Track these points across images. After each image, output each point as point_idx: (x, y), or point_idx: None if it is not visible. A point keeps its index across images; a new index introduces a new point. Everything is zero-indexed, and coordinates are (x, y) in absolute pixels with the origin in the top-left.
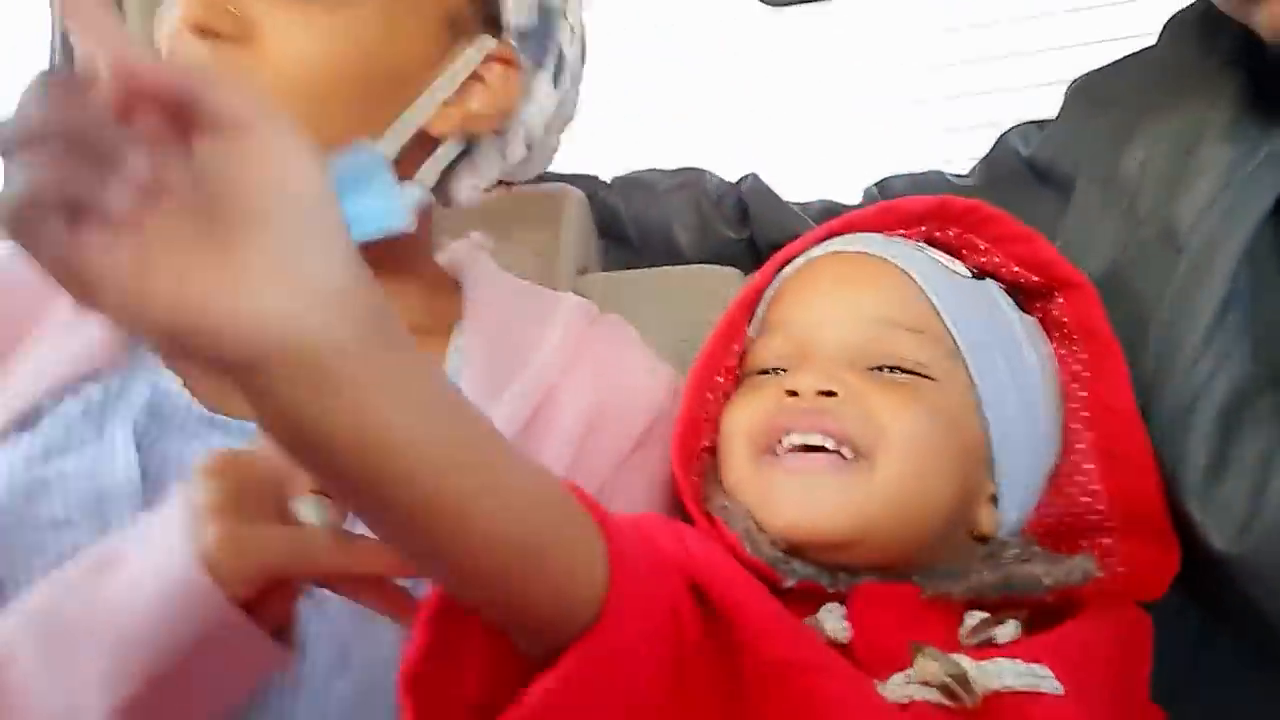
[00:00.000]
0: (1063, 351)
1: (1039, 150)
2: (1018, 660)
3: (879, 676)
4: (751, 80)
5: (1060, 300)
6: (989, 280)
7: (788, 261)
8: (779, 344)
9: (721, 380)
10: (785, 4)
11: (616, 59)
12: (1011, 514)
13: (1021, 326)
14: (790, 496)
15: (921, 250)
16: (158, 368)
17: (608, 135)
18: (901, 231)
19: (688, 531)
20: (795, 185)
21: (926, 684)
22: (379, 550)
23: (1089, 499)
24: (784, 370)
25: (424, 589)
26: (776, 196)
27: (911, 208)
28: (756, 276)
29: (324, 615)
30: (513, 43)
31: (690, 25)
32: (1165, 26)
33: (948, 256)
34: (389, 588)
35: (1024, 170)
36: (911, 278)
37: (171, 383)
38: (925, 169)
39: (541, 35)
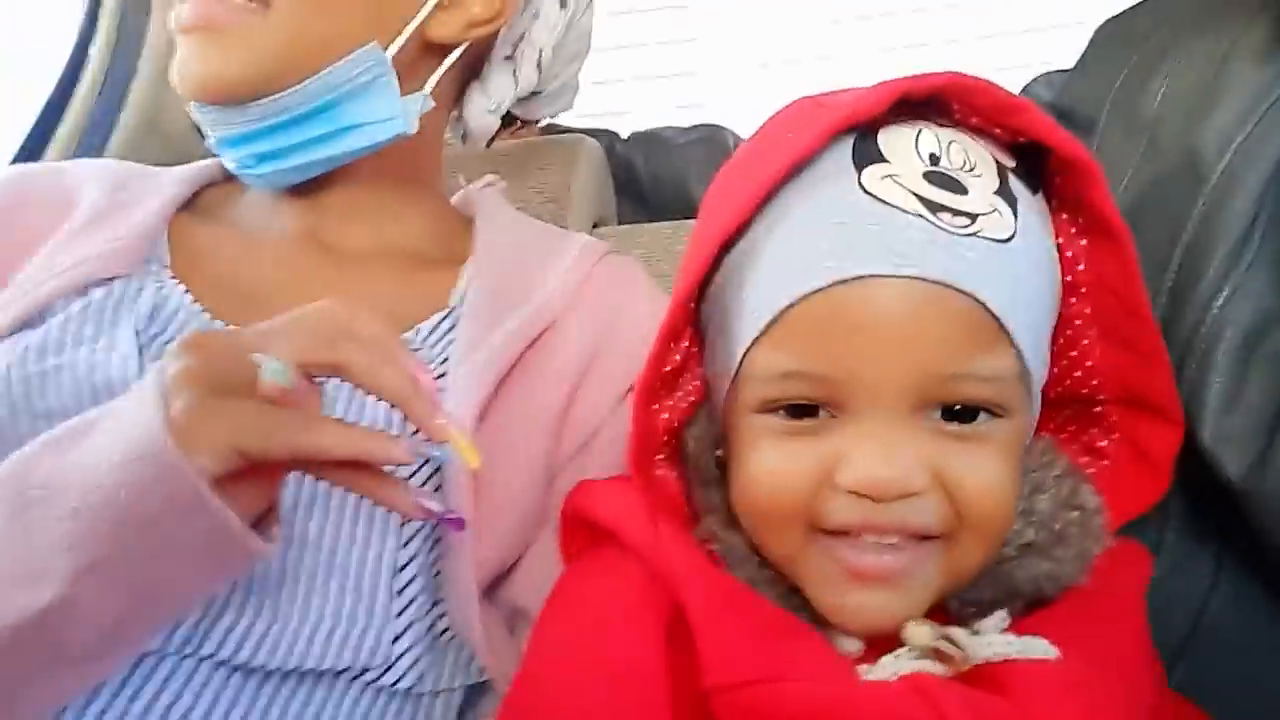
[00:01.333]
0: (1064, 216)
1: (1061, 95)
2: (1009, 633)
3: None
4: (773, 41)
5: (1058, 178)
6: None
7: (729, 241)
8: (803, 388)
9: (669, 368)
10: None
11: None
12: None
13: (1041, 223)
14: (866, 606)
15: (976, 235)
16: (167, 276)
17: (629, 93)
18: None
19: (665, 531)
20: None
21: (918, 656)
22: (363, 435)
23: (1082, 373)
24: (821, 409)
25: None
26: None
27: (870, 101)
28: (695, 263)
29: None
30: None
31: None
32: None
33: (984, 187)
34: (378, 474)
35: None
36: (979, 302)
37: (178, 289)
38: None
39: None
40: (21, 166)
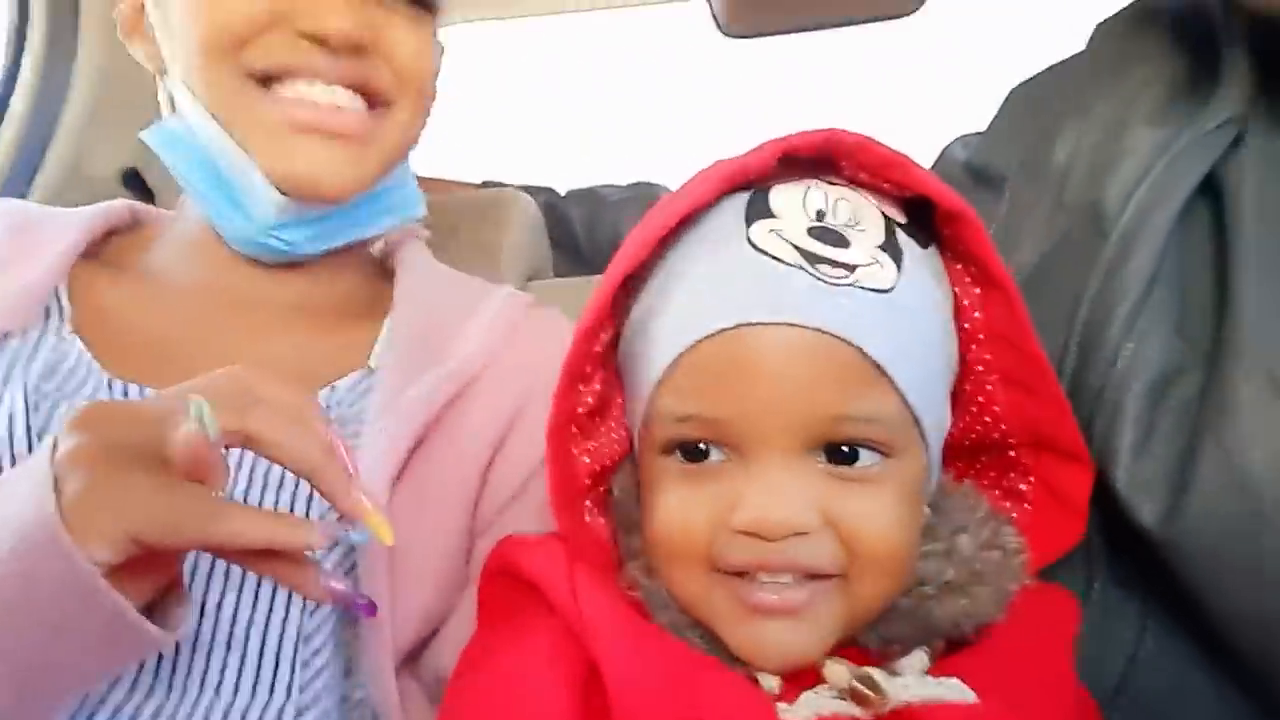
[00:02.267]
0: (958, 266)
1: (975, 154)
2: (927, 676)
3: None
4: (711, 102)
5: (947, 229)
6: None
7: (624, 284)
8: (699, 430)
9: (583, 410)
10: (745, 36)
11: (580, 81)
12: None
13: (931, 274)
14: (769, 640)
15: (851, 286)
16: (67, 331)
17: (568, 153)
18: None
19: (583, 582)
20: None
21: (837, 696)
22: (272, 521)
23: (991, 418)
24: (715, 448)
25: (330, 559)
26: None
27: (754, 163)
28: (590, 313)
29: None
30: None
31: (652, 51)
32: (1094, 31)
33: (869, 242)
34: (286, 557)
35: (963, 175)
36: (856, 348)
37: (77, 345)
38: None
39: None
40: None
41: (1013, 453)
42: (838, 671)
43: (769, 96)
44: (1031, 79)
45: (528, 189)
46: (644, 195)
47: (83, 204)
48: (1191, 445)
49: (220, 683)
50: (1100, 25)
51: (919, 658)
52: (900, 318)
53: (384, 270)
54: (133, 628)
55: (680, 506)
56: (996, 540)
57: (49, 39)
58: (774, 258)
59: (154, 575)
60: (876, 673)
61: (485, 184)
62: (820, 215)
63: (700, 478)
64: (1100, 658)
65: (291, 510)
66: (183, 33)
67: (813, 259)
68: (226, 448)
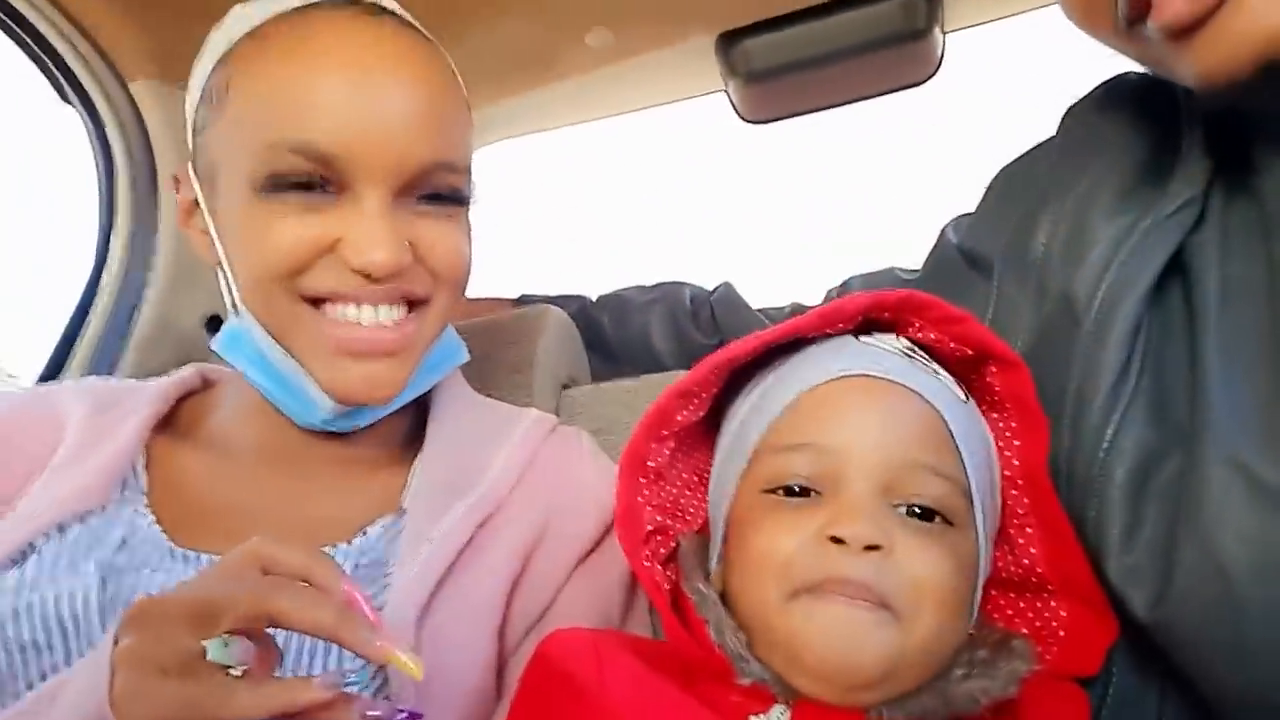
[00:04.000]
0: (994, 415)
1: (965, 239)
2: None
3: None
4: (734, 192)
5: (992, 369)
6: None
7: (728, 363)
8: (806, 463)
9: (653, 465)
10: (765, 121)
11: (611, 182)
12: (984, 541)
13: (984, 428)
14: (832, 642)
15: (936, 376)
16: (141, 504)
17: (606, 255)
18: (840, 326)
19: (606, 654)
20: (778, 291)
21: None
22: (287, 687)
23: (1029, 561)
24: (814, 492)
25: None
26: (741, 302)
27: (848, 307)
28: (689, 374)
29: None
30: None
31: (676, 143)
32: (1063, 115)
33: (952, 381)
34: (317, 708)
35: (958, 258)
36: (938, 412)
37: (148, 518)
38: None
39: None
40: (9, 396)
41: (1052, 601)
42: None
43: (794, 178)
44: (1015, 160)
45: (560, 299)
46: (666, 295)
47: (173, 355)
48: (1172, 530)
49: None
50: (1069, 109)
51: None
52: (972, 421)
53: (421, 407)
54: None
55: (777, 530)
56: (1008, 644)
57: (133, 214)
58: (881, 348)
59: None
60: None
61: (521, 299)
62: (909, 349)
63: (801, 510)
64: None
65: None
66: (240, 256)
67: (911, 355)
68: (254, 632)
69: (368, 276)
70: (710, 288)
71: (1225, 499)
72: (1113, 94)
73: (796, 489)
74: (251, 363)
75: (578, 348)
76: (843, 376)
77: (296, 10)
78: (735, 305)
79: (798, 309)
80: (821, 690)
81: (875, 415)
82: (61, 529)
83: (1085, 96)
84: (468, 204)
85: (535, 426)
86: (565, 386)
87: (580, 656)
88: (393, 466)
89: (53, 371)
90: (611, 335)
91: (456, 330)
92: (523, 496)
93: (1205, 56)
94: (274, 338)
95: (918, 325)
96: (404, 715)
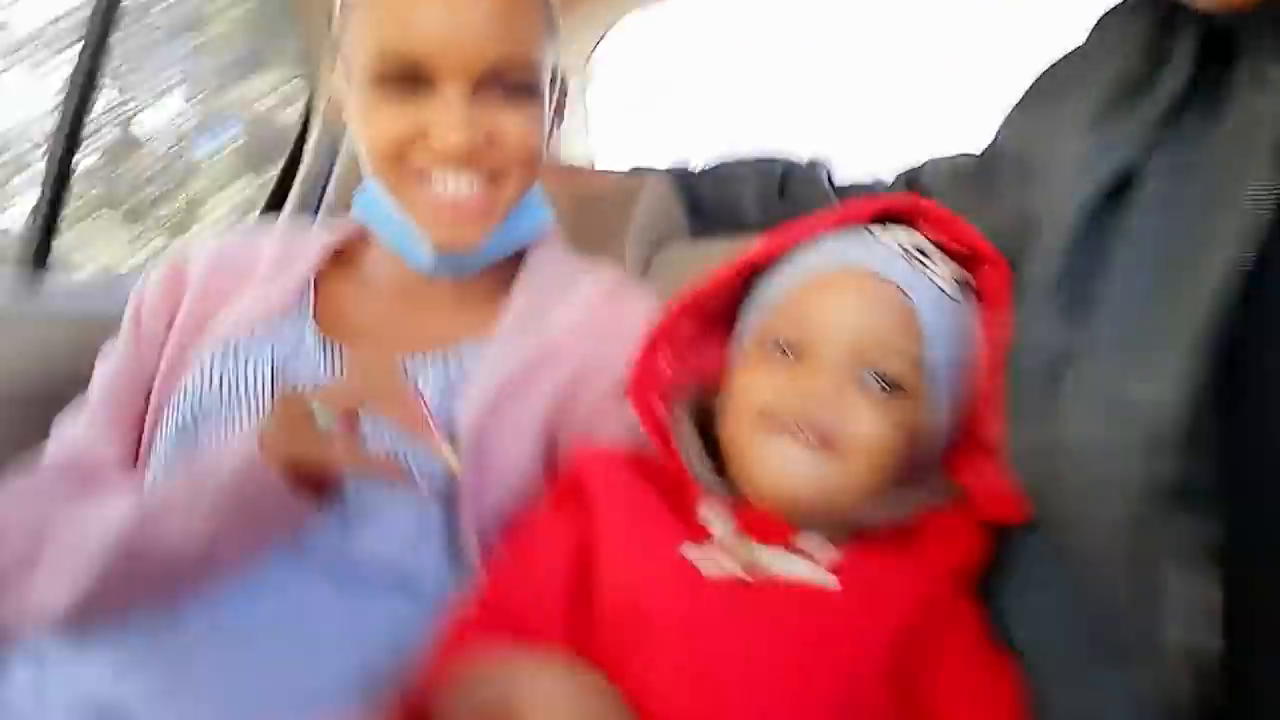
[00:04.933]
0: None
1: (999, 133)
2: (806, 559)
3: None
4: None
5: (985, 266)
6: (953, 293)
7: (759, 262)
8: (797, 331)
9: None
10: None
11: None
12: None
13: (972, 318)
14: (782, 469)
15: (925, 271)
16: (310, 317)
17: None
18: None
19: (612, 466)
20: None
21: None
22: (377, 462)
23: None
24: (795, 354)
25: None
26: (818, 180)
27: (861, 212)
28: (729, 267)
29: None
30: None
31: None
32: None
33: (943, 272)
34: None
35: (996, 152)
36: (913, 309)
37: (312, 326)
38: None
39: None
40: (221, 243)
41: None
42: (711, 520)
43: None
44: (1047, 67)
45: (668, 170)
46: (761, 167)
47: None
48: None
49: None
50: (1101, 15)
51: (818, 540)
52: (952, 314)
53: (520, 261)
54: (289, 503)
55: (764, 377)
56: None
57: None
58: (882, 244)
59: (309, 485)
60: (761, 551)
61: (632, 170)
62: (908, 247)
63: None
64: None
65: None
66: (363, 138)
67: (907, 251)
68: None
69: (449, 157)
70: (806, 160)
71: (1089, 405)
72: (1121, 7)
73: (783, 349)
74: (379, 221)
75: (675, 214)
76: (841, 269)
77: None
78: (811, 182)
79: (879, 185)
80: (769, 507)
81: (853, 303)
82: (252, 331)
83: (1113, 6)
84: (540, 93)
85: (601, 283)
86: (659, 248)
87: (592, 466)
88: (490, 302)
89: (276, 203)
90: (708, 204)
91: (567, 198)
92: (575, 342)
93: None
94: (391, 199)
95: (923, 227)
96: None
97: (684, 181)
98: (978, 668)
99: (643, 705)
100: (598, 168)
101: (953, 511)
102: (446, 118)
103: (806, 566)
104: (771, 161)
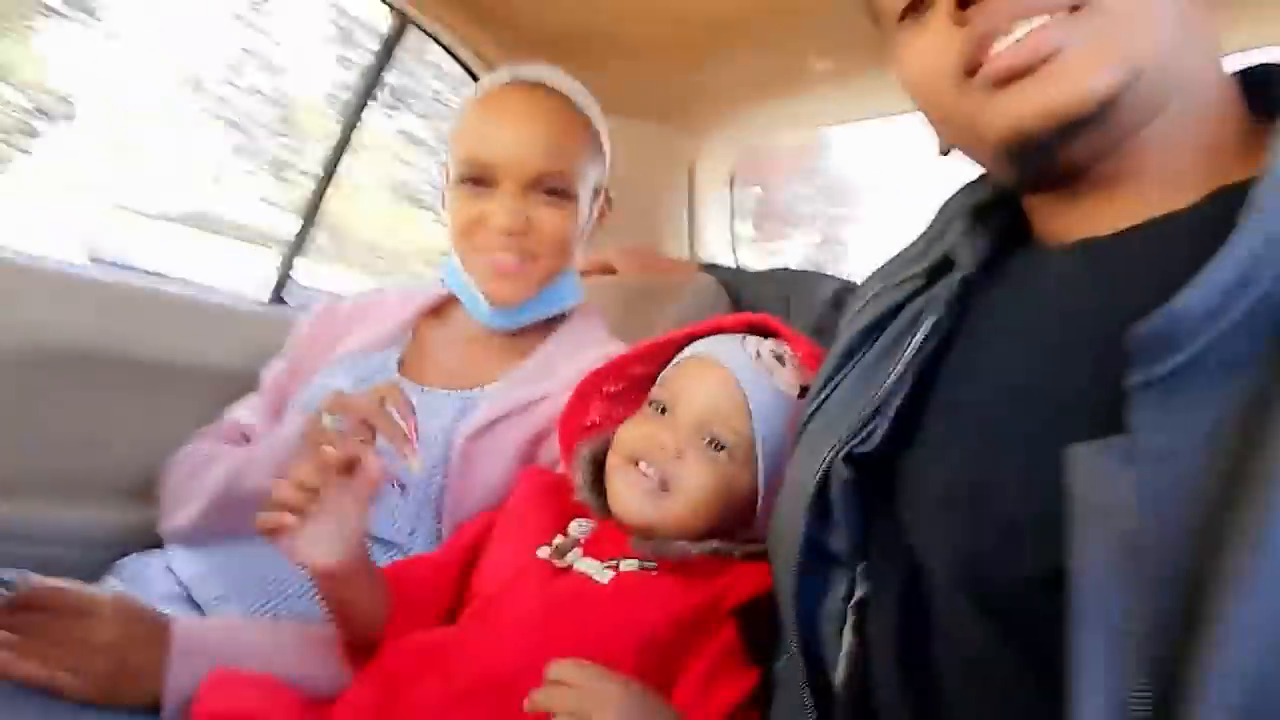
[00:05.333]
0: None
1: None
2: (603, 566)
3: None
4: None
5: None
6: (788, 391)
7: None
8: (669, 396)
9: (611, 390)
10: None
11: None
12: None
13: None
14: (629, 498)
15: (760, 368)
16: (394, 355)
17: None
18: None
19: (538, 480)
20: None
21: (558, 552)
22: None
23: None
24: (665, 412)
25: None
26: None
27: (726, 323)
28: (661, 342)
29: None
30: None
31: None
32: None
33: (785, 376)
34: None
35: None
36: (743, 390)
37: (394, 361)
38: None
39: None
40: (361, 293)
41: None
42: (572, 528)
43: None
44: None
45: (722, 267)
46: (800, 284)
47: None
48: None
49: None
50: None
51: (630, 561)
52: (781, 402)
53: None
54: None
55: (634, 429)
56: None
57: None
58: (740, 347)
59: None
60: (575, 556)
61: (703, 265)
62: (774, 352)
63: (652, 417)
64: None
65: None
66: (449, 223)
67: (759, 353)
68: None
69: (499, 235)
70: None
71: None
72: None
73: (660, 408)
74: (454, 282)
75: (719, 309)
76: (705, 359)
77: (491, 89)
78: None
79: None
80: (619, 525)
81: (704, 386)
82: (360, 356)
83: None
84: (574, 198)
85: (606, 352)
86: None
87: (523, 481)
88: (525, 357)
89: None
90: (746, 305)
91: (629, 287)
92: (566, 391)
93: (1022, 104)
94: (462, 268)
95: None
96: (400, 484)
97: (735, 281)
98: (716, 674)
99: (485, 651)
100: (730, 265)
101: (748, 560)
102: (501, 207)
103: (598, 568)
104: (817, 281)
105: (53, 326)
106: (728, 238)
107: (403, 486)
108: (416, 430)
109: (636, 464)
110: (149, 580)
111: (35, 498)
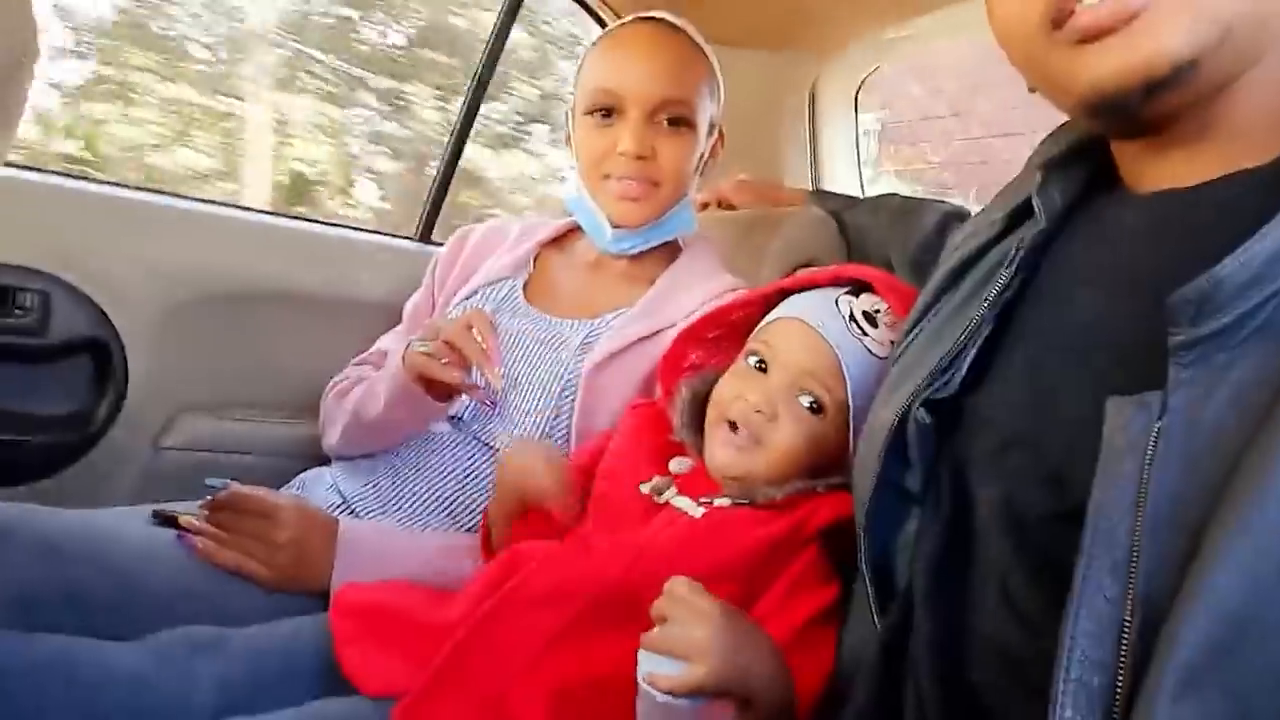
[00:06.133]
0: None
1: None
2: (693, 499)
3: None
4: None
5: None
6: (879, 352)
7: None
8: (767, 353)
9: (712, 336)
10: None
11: None
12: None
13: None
14: (725, 458)
15: (853, 329)
16: (522, 282)
17: None
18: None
19: (639, 410)
20: None
21: (656, 490)
22: (444, 370)
23: None
24: (761, 369)
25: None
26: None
27: (819, 277)
28: (758, 294)
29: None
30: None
31: None
32: None
33: (878, 335)
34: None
35: None
36: (836, 351)
37: (519, 289)
38: None
39: None
40: (489, 223)
41: None
42: (658, 481)
43: None
44: None
45: (833, 195)
46: (910, 210)
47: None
48: None
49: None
50: None
51: (727, 500)
52: (871, 361)
53: (674, 254)
54: (427, 404)
55: (732, 384)
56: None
57: None
58: (833, 306)
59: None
60: (672, 493)
61: (812, 193)
62: (867, 312)
63: (754, 375)
64: None
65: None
66: (578, 152)
67: (852, 315)
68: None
69: (626, 156)
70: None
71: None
72: None
73: (756, 364)
74: (579, 210)
75: (823, 236)
76: (798, 318)
77: (618, 25)
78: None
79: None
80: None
81: (798, 344)
82: (488, 285)
83: None
84: (694, 128)
85: (718, 286)
86: (801, 267)
87: (630, 413)
88: (642, 286)
89: None
90: (853, 232)
91: (740, 217)
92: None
93: (1103, 63)
94: (589, 194)
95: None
96: (490, 402)
97: (843, 209)
98: (796, 589)
99: (589, 572)
100: (859, 194)
101: (829, 493)
102: (627, 135)
103: (692, 505)
104: (924, 208)
105: (240, 268)
106: (853, 164)
107: (493, 404)
108: (496, 355)
109: (732, 426)
110: (320, 492)
111: (233, 415)
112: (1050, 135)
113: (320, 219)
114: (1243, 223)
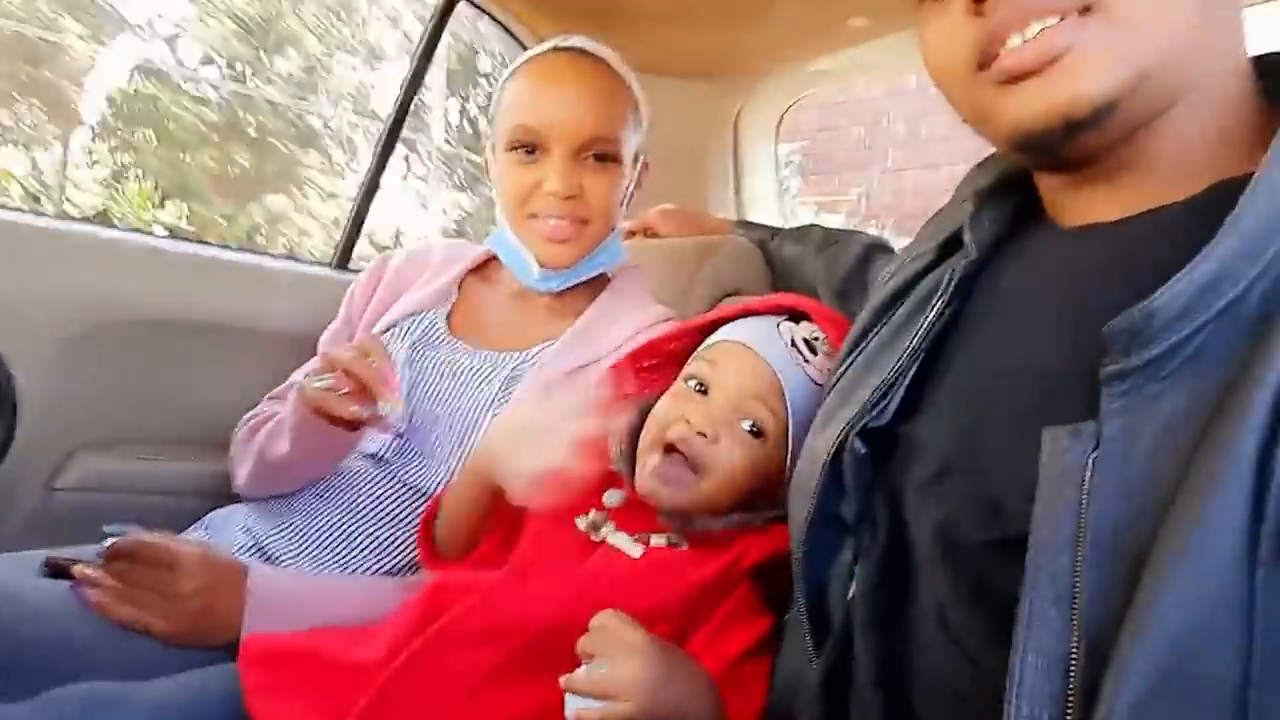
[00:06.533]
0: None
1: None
2: (633, 540)
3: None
4: None
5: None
6: (818, 379)
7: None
8: (706, 377)
9: (648, 364)
10: None
11: None
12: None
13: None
14: (659, 488)
15: (795, 355)
16: (444, 314)
17: None
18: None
19: None
20: None
21: (592, 526)
22: (337, 404)
23: None
24: (702, 392)
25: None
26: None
27: (756, 306)
28: (694, 324)
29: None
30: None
31: None
32: None
33: (817, 362)
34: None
35: None
36: (778, 376)
37: (443, 319)
38: None
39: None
40: (409, 250)
41: None
42: (593, 517)
43: None
44: None
45: (757, 225)
46: (835, 242)
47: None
48: None
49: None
50: None
51: (660, 537)
52: (811, 387)
53: (602, 284)
54: (337, 436)
55: (669, 403)
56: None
57: None
58: (774, 330)
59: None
60: (609, 530)
61: (736, 223)
62: (806, 339)
63: (686, 395)
64: None
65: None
66: (498, 190)
67: (793, 340)
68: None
69: (553, 196)
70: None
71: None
72: None
73: (695, 387)
74: (504, 250)
75: (749, 268)
76: (741, 343)
77: (537, 55)
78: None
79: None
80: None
81: (739, 368)
82: (408, 319)
83: None
84: (621, 163)
85: (647, 318)
86: (729, 295)
87: None
88: (571, 318)
89: None
90: (779, 264)
91: (668, 247)
92: (611, 358)
93: (1026, 104)
94: (513, 234)
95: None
96: (393, 433)
97: (768, 239)
98: (728, 624)
99: (522, 608)
100: (781, 223)
101: (766, 527)
102: (552, 174)
103: (629, 542)
104: (855, 236)
105: (143, 296)
106: (775, 194)
107: (400, 434)
108: (394, 381)
109: (667, 449)
110: (230, 534)
111: (134, 453)
112: (979, 165)
113: (231, 245)
114: (1167, 257)
